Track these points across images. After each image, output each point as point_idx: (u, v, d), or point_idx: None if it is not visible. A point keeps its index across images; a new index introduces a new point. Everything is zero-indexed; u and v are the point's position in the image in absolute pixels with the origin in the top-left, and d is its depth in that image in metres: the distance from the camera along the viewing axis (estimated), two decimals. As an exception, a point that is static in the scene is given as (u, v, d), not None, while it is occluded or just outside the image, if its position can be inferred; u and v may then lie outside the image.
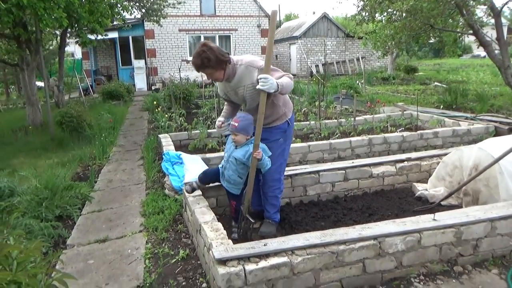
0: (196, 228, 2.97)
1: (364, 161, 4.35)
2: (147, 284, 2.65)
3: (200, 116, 8.13)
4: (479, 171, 3.39)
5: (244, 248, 2.34)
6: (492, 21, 9.59)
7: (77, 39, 10.45)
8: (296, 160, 5.23)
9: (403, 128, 6.72)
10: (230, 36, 20.11)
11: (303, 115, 8.15)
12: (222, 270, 2.19)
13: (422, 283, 2.54)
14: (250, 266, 2.23)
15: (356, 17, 13.12)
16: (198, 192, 3.32)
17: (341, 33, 23.73)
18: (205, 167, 4.12)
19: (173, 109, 8.43)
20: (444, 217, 2.74)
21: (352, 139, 5.61)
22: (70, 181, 4.59)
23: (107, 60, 20.74)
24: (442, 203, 3.70)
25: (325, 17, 23.60)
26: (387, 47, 13.48)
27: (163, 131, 7.01)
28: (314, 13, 26.83)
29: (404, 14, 10.91)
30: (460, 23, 10.88)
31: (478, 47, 11.35)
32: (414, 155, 4.56)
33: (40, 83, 14.48)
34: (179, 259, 2.95)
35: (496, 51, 9.33)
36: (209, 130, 6.26)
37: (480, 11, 10.55)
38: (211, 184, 3.46)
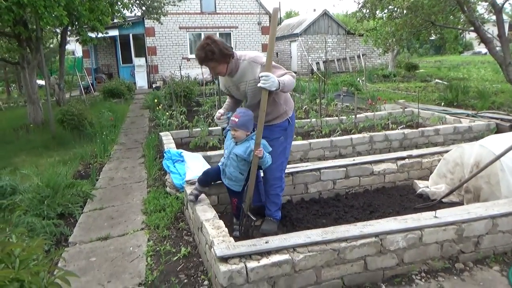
0: (197, 225, 2.97)
1: (365, 158, 4.35)
2: (149, 282, 2.66)
3: (201, 114, 8.13)
4: (480, 168, 3.39)
5: (246, 246, 2.35)
6: (494, 17, 9.56)
7: (78, 37, 10.45)
8: (297, 158, 5.23)
9: (404, 126, 6.71)
10: (230, 33, 20.08)
11: (304, 113, 8.14)
12: (223, 267, 2.20)
13: (423, 280, 2.54)
14: (251, 264, 2.24)
15: (357, 14, 13.08)
16: (202, 195, 3.28)
17: (342, 30, 23.69)
18: (206, 165, 4.12)
19: (174, 107, 8.43)
20: (445, 214, 2.74)
21: (353, 136, 5.60)
22: (72, 179, 4.60)
23: (108, 58, 20.74)
24: (443, 200, 3.70)
25: (325, 14, 23.55)
26: (388, 44, 13.45)
27: (164, 129, 7.01)
28: (314, 10, 26.76)
29: (405, 11, 10.89)
30: (461, 20, 10.84)
31: (479, 44, 11.33)
32: (415, 152, 4.56)
33: (41, 81, 14.48)
34: (181, 256, 2.96)
35: (498, 48, 9.30)
36: (210, 128, 6.26)
37: (481, 8, 10.52)
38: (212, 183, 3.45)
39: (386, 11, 11.99)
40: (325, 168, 4.01)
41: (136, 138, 7.49)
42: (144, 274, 2.76)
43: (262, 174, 3.35)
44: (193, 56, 20.14)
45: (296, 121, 6.62)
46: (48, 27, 8.97)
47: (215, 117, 3.20)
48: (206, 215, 2.87)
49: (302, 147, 5.29)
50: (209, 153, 4.80)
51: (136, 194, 4.40)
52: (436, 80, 14.98)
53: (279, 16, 35.19)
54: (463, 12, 9.54)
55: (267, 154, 2.97)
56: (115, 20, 13.46)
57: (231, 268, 2.19)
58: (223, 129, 3.27)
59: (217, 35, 19.72)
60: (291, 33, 23.86)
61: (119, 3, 10.54)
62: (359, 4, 12.61)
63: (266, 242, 2.38)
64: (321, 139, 5.52)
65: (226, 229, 2.63)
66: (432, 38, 14.78)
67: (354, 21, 14.91)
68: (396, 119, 7.02)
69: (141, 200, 4.17)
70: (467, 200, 3.61)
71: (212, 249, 2.36)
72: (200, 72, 14.84)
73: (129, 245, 3.21)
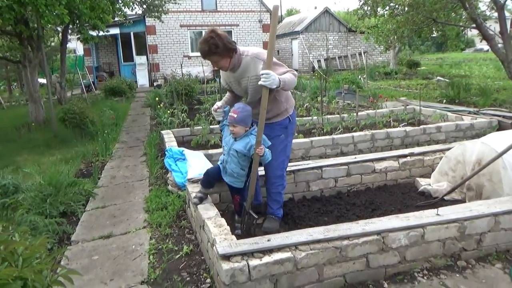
0: (199, 224, 2.98)
1: (367, 156, 4.34)
2: (152, 280, 2.66)
3: (202, 112, 8.13)
4: (482, 166, 3.38)
5: (248, 244, 2.35)
6: (495, 14, 9.52)
7: (79, 36, 10.43)
8: (298, 156, 5.22)
9: (406, 123, 6.70)
10: (231, 31, 20.05)
11: (306, 111, 8.13)
12: (226, 265, 2.20)
13: (425, 277, 2.54)
14: (254, 262, 2.24)
15: (358, 11, 13.05)
16: (207, 190, 3.26)
17: (343, 27, 23.63)
18: (208, 163, 4.12)
19: (175, 105, 8.43)
20: (448, 212, 2.74)
21: (355, 134, 5.60)
22: (74, 177, 4.60)
23: (109, 56, 20.74)
24: (445, 198, 3.69)
25: (326, 11, 23.49)
26: (389, 42, 13.44)
27: (165, 127, 7.01)
28: (315, 7, 26.69)
29: (406, 8, 10.86)
30: (463, 17, 10.81)
31: (481, 41, 11.31)
32: (417, 150, 4.55)
33: (42, 80, 14.48)
34: (183, 254, 2.96)
35: (500, 45, 9.27)
36: (211, 126, 6.26)
37: (483, 5, 10.51)
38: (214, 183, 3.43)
39: (387, 8, 11.97)
40: (327, 166, 4.01)
41: (138, 136, 7.49)
42: (147, 272, 2.76)
43: (259, 173, 3.34)
44: (194, 54, 20.09)
45: (297, 119, 6.63)
46: (49, 25, 8.98)
47: (212, 109, 3.17)
48: (208, 213, 2.88)
49: (303, 145, 5.28)
50: (211, 151, 4.81)
51: (138, 192, 4.41)
52: (438, 78, 14.93)
53: (280, 14, 35.13)
54: (464, 9, 9.50)
55: (267, 149, 2.96)
56: (116, 18, 13.42)
57: (233, 266, 2.20)
58: (219, 122, 3.26)
59: (218, 33, 19.72)
60: (292, 31, 23.82)
61: (120, 1, 10.53)
62: (360, 1, 12.58)
63: (268, 240, 2.39)
64: (323, 137, 5.52)
65: (228, 227, 2.63)
66: (433, 35, 14.76)
67: (356, 18, 14.91)
68: (397, 117, 7.01)
69: (143, 199, 4.17)
70: (469, 198, 3.61)
71: (214, 247, 2.37)
72: (201, 70, 14.84)
73: (132, 243, 3.22)
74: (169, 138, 5.58)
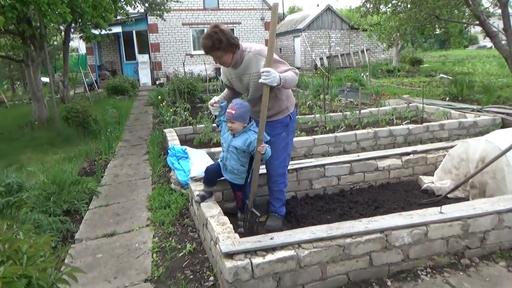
0: (202, 222, 2.98)
1: (369, 154, 4.33)
2: (155, 278, 2.67)
3: (204, 110, 8.12)
4: (486, 164, 3.37)
5: (251, 242, 2.35)
6: (499, 11, 9.46)
7: (81, 34, 10.48)
8: (301, 154, 5.22)
9: (409, 121, 6.68)
10: (233, 29, 20.01)
11: (308, 108, 8.12)
12: (229, 263, 2.20)
13: (429, 275, 2.53)
14: (257, 260, 2.24)
15: (361, 9, 13.00)
16: (209, 188, 3.27)
17: (346, 25, 23.56)
18: (211, 161, 4.12)
19: (178, 103, 8.44)
20: (451, 210, 2.73)
21: (358, 132, 5.59)
22: (77, 176, 4.62)
23: (111, 55, 20.78)
24: (449, 196, 3.68)
25: (329, 9, 23.43)
26: (392, 39, 13.39)
27: (168, 125, 7.02)
28: (318, 5, 26.66)
29: (409, 5, 10.82)
30: (466, 14, 10.75)
31: (484, 38, 11.22)
32: (420, 147, 4.53)
33: (45, 79, 14.53)
34: (186, 253, 2.97)
35: (503, 42, 9.21)
36: (214, 125, 6.25)
37: (486, 1, 10.43)
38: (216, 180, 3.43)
39: (390, 5, 11.92)
40: (330, 164, 4.00)
41: (140, 134, 7.51)
42: (150, 270, 2.77)
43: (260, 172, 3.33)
44: (196, 52, 20.06)
45: (300, 117, 6.64)
46: (52, 24, 9.02)
47: (209, 103, 3.16)
48: (211, 211, 2.88)
49: (306, 143, 5.28)
50: (213, 149, 4.81)
51: (141, 190, 4.42)
52: (441, 75, 14.88)
53: (282, 12, 35.08)
54: (468, 6, 9.45)
55: (267, 145, 2.96)
56: (118, 17, 13.45)
57: (237, 264, 2.20)
58: (216, 116, 3.25)
59: (220, 31, 19.71)
60: (294, 29, 23.77)
61: (122, 0, 10.53)
62: (363, -2, 12.54)
63: (271, 238, 2.39)
64: (325, 135, 5.51)
65: (231, 226, 2.64)
66: (436, 32, 14.69)
67: (358, 16, 14.83)
68: (400, 115, 6.99)
69: (146, 197, 4.18)
70: (472, 196, 3.60)
71: (218, 245, 2.37)
72: (203, 68, 14.82)
73: (135, 241, 3.23)
74: (172, 137, 5.58)
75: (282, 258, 2.27)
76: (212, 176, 3.21)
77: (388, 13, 12.56)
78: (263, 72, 2.72)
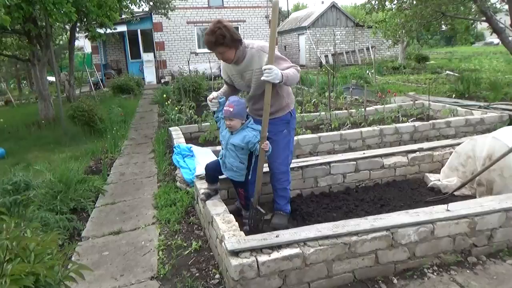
0: (208, 220, 2.99)
1: (375, 152, 4.32)
2: (161, 275, 2.68)
3: (210, 108, 8.13)
4: (493, 161, 3.34)
5: (256, 240, 2.35)
6: (506, 7, 9.38)
7: (87, 33, 10.53)
8: (306, 152, 5.21)
9: (415, 118, 6.64)
10: (238, 27, 20.00)
11: (313, 106, 8.10)
12: (234, 261, 2.21)
13: (435, 273, 2.52)
14: (262, 258, 2.24)
15: (366, 6, 12.95)
16: (213, 186, 3.27)
17: (351, 22, 23.46)
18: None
19: (183, 102, 8.45)
20: (458, 208, 2.71)
21: (363, 129, 5.56)
22: (83, 174, 4.65)
23: (117, 53, 20.85)
24: (455, 193, 3.66)
25: (333, 6, 23.34)
26: (397, 36, 13.31)
27: (173, 124, 7.04)
28: (322, 2, 26.51)
29: (414, 2, 10.74)
30: (473, 10, 10.65)
31: (491, 34, 11.13)
32: (426, 145, 4.51)
33: (51, 78, 14.62)
34: (192, 250, 2.98)
35: (510, 38, 9.12)
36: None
37: (494, -3, 10.32)
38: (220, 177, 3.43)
39: (395, 2, 11.84)
40: (335, 161, 3.99)
41: (146, 133, 7.53)
42: (156, 267, 2.78)
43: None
44: (201, 50, 20.08)
45: (305, 114, 6.63)
46: (57, 23, 9.07)
47: (207, 99, 3.16)
48: (216, 209, 2.89)
49: (311, 141, 5.26)
50: (219, 147, 4.78)
51: (147, 189, 4.44)
52: (447, 72, 14.76)
53: (287, 9, 34.99)
54: (474, 2, 9.36)
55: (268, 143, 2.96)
56: (123, 16, 13.50)
57: (242, 262, 2.20)
58: (213, 112, 3.25)
59: (225, 29, 19.70)
60: (299, 26, 23.70)
61: (127, -1, 10.57)
62: (368, -5, 12.48)
63: (276, 236, 2.39)
64: (331, 133, 5.50)
65: (237, 223, 2.64)
66: (442, 29, 14.57)
67: (363, 13, 14.78)
68: (406, 112, 6.95)
69: (152, 195, 4.20)
70: (479, 193, 3.57)
71: (223, 243, 2.37)
72: (208, 66, 14.84)
73: (141, 239, 3.25)
74: (177, 135, 5.60)
75: (288, 256, 2.27)
76: (212, 173, 3.21)
77: (393, 10, 12.48)
78: (265, 70, 2.72)
